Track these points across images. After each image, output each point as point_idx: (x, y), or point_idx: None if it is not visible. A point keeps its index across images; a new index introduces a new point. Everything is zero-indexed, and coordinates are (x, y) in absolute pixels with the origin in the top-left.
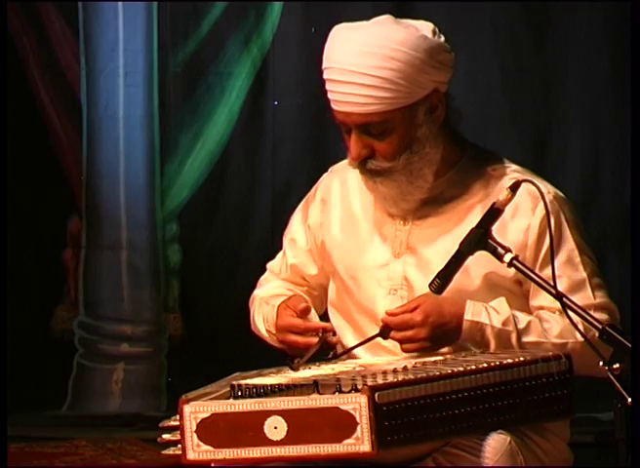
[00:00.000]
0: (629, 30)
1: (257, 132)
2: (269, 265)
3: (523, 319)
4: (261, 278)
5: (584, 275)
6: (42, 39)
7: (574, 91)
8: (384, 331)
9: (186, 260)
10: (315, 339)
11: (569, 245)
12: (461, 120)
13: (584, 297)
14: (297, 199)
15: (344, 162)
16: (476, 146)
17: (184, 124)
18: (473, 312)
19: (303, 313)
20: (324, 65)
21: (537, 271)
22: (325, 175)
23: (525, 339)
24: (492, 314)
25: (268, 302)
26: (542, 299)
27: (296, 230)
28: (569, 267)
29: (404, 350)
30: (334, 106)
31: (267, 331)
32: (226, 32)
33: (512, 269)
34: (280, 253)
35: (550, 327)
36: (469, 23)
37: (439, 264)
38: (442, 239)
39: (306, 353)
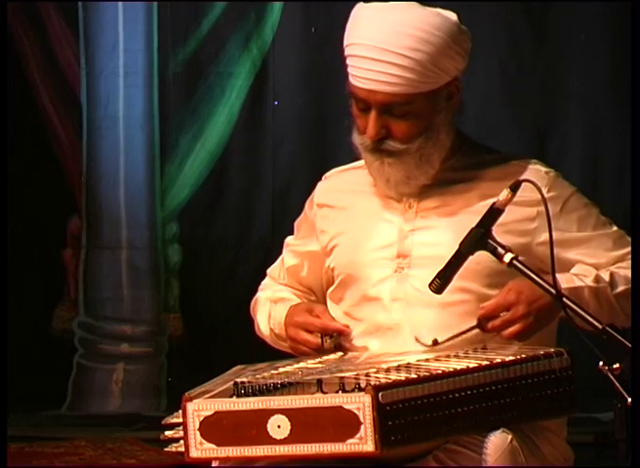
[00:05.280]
0: (629, 30)
1: (257, 132)
2: (269, 270)
3: (604, 274)
4: (262, 283)
5: (616, 228)
6: (42, 39)
7: (573, 91)
8: (482, 322)
9: (186, 260)
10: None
11: (593, 209)
12: (464, 111)
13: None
14: (297, 199)
15: (336, 169)
16: (470, 137)
17: (184, 124)
18: (565, 280)
19: (322, 314)
20: (347, 42)
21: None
22: (320, 183)
23: (617, 290)
24: (582, 277)
25: (277, 303)
26: (586, 257)
27: (294, 237)
28: (604, 226)
29: (508, 335)
30: (357, 83)
31: (270, 329)
32: (226, 32)
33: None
34: (279, 260)
35: (626, 273)
36: (469, 23)
37: (445, 245)
38: (447, 221)
39: (320, 356)
